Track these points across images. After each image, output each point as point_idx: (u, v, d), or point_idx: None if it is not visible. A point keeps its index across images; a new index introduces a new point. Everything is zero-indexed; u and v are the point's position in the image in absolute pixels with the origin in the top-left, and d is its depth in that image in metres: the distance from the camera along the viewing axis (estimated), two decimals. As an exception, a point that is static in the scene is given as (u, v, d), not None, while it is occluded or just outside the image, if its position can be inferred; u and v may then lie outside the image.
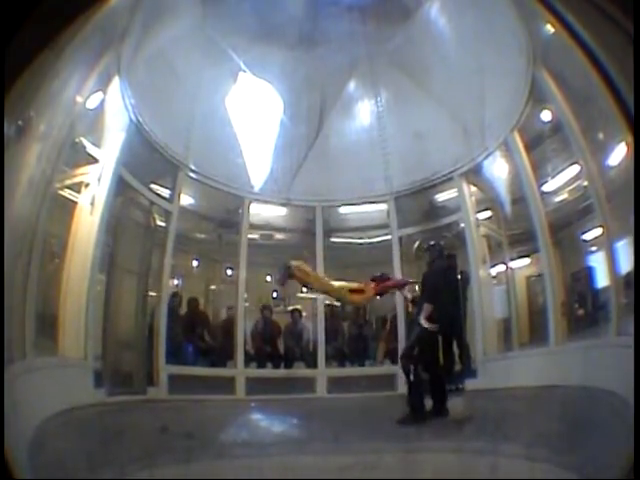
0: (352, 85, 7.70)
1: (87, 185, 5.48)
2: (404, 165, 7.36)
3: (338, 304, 8.27)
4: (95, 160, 5.53)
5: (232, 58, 6.62)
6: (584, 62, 2.11)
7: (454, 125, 7.01)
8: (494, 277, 7.02)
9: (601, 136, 5.05)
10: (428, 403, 5.66)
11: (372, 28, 6.88)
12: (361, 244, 8.07)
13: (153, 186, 6.70)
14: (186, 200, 7.11)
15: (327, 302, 7.99)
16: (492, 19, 5.96)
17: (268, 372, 7.26)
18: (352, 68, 7.42)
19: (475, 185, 7.09)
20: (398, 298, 7.43)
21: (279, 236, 7.94)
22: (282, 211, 7.96)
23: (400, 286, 6.62)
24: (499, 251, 6.94)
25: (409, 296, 6.70)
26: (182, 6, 6.54)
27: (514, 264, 6.88)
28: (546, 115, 6.05)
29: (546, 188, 6.23)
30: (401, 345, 7.17)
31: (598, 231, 5.41)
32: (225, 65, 6.72)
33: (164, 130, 6.46)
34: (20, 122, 2.59)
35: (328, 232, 7.86)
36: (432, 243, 6.77)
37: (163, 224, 6.71)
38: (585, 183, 5.58)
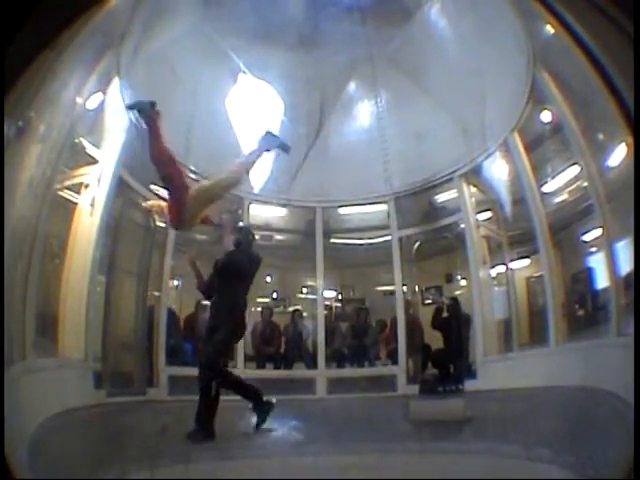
0: (352, 86, 7.71)
1: (87, 186, 5.47)
2: (404, 166, 7.37)
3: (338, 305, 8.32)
4: (95, 161, 5.52)
5: (232, 59, 6.63)
6: (584, 63, 2.11)
7: (454, 126, 7.02)
8: (494, 278, 7.02)
9: (601, 137, 5.06)
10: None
11: (372, 29, 6.90)
12: (361, 245, 8.08)
13: (153, 187, 6.69)
14: (186, 201, 7.09)
15: (327, 303, 8.01)
16: (492, 20, 5.97)
17: (268, 373, 7.26)
18: (352, 69, 7.43)
19: (475, 186, 7.10)
20: (398, 300, 7.46)
21: (279, 237, 7.95)
22: (282, 212, 7.97)
23: None
24: (499, 252, 6.94)
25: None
26: (182, 7, 6.54)
27: (514, 265, 6.89)
28: (546, 116, 6.06)
29: (546, 189, 6.24)
30: (401, 346, 7.19)
31: (598, 232, 5.40)
32: (225, 66, 6.73)
33: (164, 130, 6.44)
34: (20, 123, 2.58)
35: (328, 233, 7.87)
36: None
37: (163, 225, 6.69)
38: (585, 184, 5.58)
